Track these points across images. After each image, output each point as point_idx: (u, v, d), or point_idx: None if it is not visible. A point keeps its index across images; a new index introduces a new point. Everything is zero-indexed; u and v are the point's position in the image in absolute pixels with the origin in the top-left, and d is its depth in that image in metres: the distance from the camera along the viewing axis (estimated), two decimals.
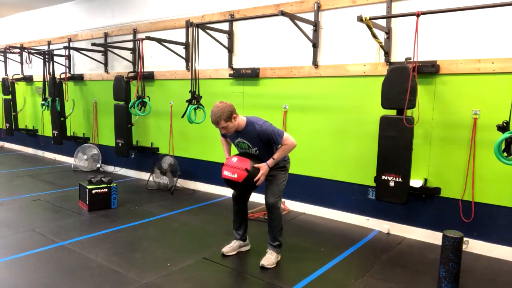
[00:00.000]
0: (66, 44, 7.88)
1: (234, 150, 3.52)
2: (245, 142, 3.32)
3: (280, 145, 3.26)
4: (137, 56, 6.61)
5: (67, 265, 3.36)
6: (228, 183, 3.33)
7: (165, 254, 3.66)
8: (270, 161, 3.24)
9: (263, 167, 3.22)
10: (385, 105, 3.90)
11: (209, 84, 5.67)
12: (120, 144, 6.53)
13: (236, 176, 3.20)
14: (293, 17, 4.40)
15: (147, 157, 6.71)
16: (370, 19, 3.70)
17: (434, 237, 4.01)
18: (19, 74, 9.06)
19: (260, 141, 3.26)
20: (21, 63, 9.10)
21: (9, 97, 8.87)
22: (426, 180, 4.11)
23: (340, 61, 4.61)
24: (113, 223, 4.46)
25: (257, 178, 3.20)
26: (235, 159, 3.27)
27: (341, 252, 3.76)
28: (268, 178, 3.41)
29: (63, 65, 7.92)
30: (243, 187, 3.36)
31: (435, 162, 4.06)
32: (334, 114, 4.71)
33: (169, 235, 4.18)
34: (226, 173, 3.27)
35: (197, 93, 5.20)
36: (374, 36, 3.94)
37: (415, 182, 4.04)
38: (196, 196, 5.80)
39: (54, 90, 7.35)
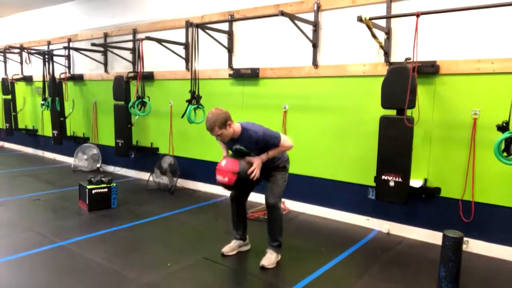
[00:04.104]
0: (66, 44, 7.88)
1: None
2: (242, 149, 3.32)
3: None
4: (137, 56, 6.61)
5: (67, 265, 3.36)
6: (223, 186, 3.34)
7: (165, 254, 3.66)
8: (263, 156, 3.25)
9: (256, 160, 3.22)
10: (385, 105, 3.91)
11: (209, 84, 5.67)
12: (120, 144, 6.53)
13: (226, 179, 3.21)
14: (293, 17, 4.40)
15: (147, 157, 6.71)
16: (370, 19, 3.71)
17: (434, 237, 4.01)
18: (19, 74, 9.06)
19: (256, 148, 3.26)
20: (21, 63, 9.10)
21: (9, 97, 8.87)
22: (426, 180, 4.11)
23: (340, 61, 4.61)
24: (113, 223, 4.45)
25: (250, 171, 3.18)
26: (224, 161, 3.27)
27: (341, 252, 3.76)
28: (268, 178, 3.43)
29: (63, 65, 7.92)
30: (238, 188, 3.39)
31: (435, 162, 4.06)
32: (334, 114, 4.71)
33: (169, 235, 4.18)
34: (218, 177, 3.28)
35: (197, 93, 5.21)
36: (374, 36, 3.95)
37: (415, 182, 4.04)
38: (196, 196, 5.80)
39: (54, 90, 7.35)
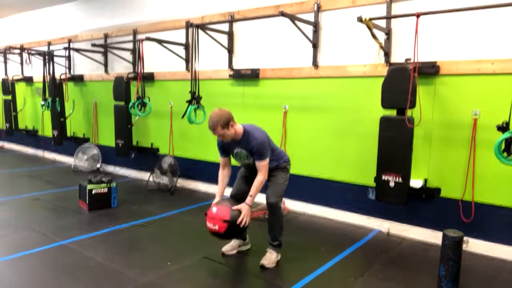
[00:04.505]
0: (66, 45, 7.88)
1: (234, 169, 3.51)
2: (243, 151, 3.34)
3: (257, 162, 3.28)
4: (137, 57, 6.61)
5: (67, 265, 3.36)
6: (213, 234, 3.34)
7: (165, 253, 3.66)
8: (249, 200, 3.27)
9: (244, 209, 3.24)
10: (385, 105, 3.91)
11: (209, 84, 5.67)
12: (120, 145, 6.53)
13: (217, 227, 3.23)
14: (293, 18, 4.41)
15: (147, 158, 6.71)
16: (370, 19, 3.72)
17: (434, 237, 4.01)
18: (19, 75, 9.07)
19: (253, 153, 3.29)
20: (21, 63, 9.11)
21: (9, 97, 8.88)
22: (426, 180, 4.11)
23: (340, 62, 4.62)
24: (113, 222, 4.45)
25: (240, 220, 3.20)
26: (215, 209, 3.28)
27: (341, 252, 3.76)
28: (269, 178, 3.43)
29: (63, 65, 7.93)
30: (228, 236, 3.42)
31: (435, 163, 4.07)
32: (334, 115, 4.71)
33: (169, 235, 4.18)
34: (209, 224, 3.30)
35: (197, 94, 5.22)
36: (374, 36, 3.95)
37: (415, 182, 4.05)
38: (196, 196, 5.80)
39: (54, 91, 7.36)
